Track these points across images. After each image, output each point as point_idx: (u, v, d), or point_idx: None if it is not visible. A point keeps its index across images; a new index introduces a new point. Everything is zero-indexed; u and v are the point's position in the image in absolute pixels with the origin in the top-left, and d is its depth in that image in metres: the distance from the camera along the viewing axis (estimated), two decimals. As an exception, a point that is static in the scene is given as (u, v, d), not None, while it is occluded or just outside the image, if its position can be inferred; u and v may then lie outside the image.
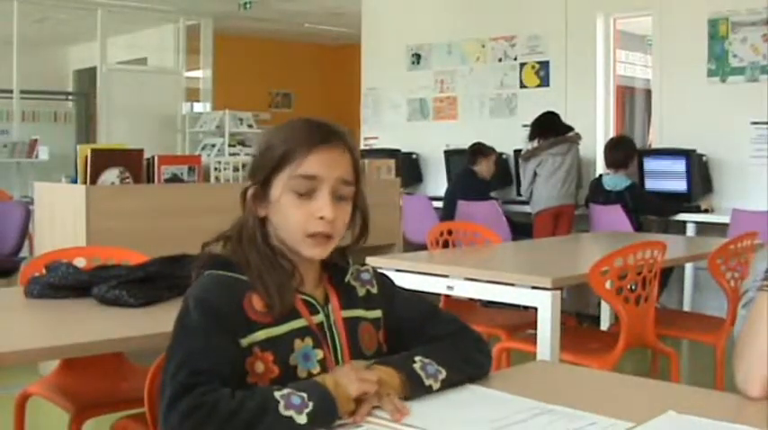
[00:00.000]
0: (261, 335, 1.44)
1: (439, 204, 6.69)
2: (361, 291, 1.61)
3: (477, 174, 6.43)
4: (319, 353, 1.49)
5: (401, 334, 1.63)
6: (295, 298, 1.50)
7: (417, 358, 1.52)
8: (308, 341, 1.48)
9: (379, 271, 1.70)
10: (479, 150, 6.48)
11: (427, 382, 1.49)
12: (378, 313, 1.61)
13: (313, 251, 1.50)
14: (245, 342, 1.43)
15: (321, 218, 1.48)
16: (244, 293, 1.46)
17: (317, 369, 1.47)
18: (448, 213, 6.28)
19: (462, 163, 6.81)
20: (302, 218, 1.48)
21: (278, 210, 1.50)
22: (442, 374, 1.52)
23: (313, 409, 1.32)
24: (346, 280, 1.60)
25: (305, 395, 1.34)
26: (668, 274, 5.21)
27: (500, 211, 6.03)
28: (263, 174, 1.51)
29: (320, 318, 1.52)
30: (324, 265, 1.58)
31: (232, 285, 1.47)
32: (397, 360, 1.52)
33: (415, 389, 1.48)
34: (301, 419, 1.31)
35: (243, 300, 1.45)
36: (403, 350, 1.60)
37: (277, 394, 1.33)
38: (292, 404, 1.32)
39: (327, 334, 1.52)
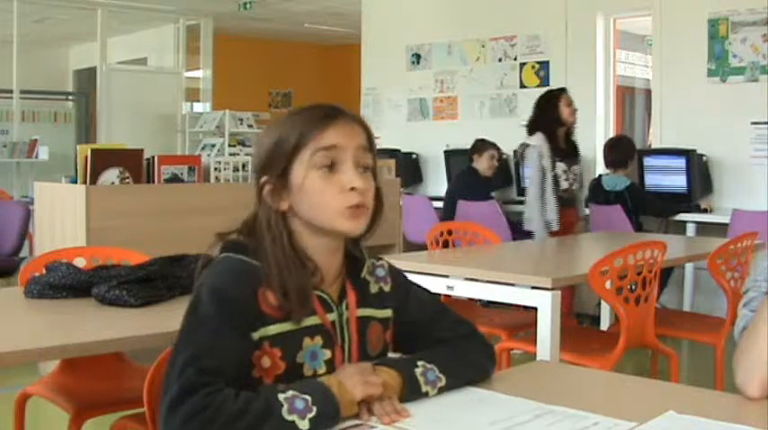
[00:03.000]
0: (273, 329, 1.42)
1: (439, 204, 6.69)
2: (374, 288, 1.59)
3: (479, 173, 6.41)
4: (327, 354, 1.48)
5: (410, 334, 1.62)
6: (313, 300, 1.47)
7: (420, 363, 1.51)
8: (318, 340, 1.47)
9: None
10: (477, 147, 6.47)
11: (424, 389, 1.49)
12: (388, 313, 1.59)
13: (349, 224, 1.46)
14: (256, 335, 1.41)
15: (352, 189, 1.45)
16: (259, 284, 1.43)
17: (322, 369, 1.46)
18: (449, 213, 6.26)
19: (463, 162, 6.80)
20: (334, 192, 1.45)
21: (304, 193, 1.46)
22: (442, 382, 1.51)
23: (316, 414, 1.32)
24: (362, 275, 1.57)
25: (309, 398, 1.33)
26: (668, 274, 5.21)
27: (500, 211, 6.03)
28: (280, 165, 1.47)
29: (334, 316, 1.50)
30: (343, 259, 1.55)
31: (249, 274, 1.43)
32: (399, 362, 1.52)
33: (412, 393, 1.47)
34: (303, 425, 1.31)
35: (258, 292, 1.42)
36: (410, 349, 1.59)
37: (281, 396, 1.32)
38: (296, 408, 1.32)
39: (338, 333, 1.50)
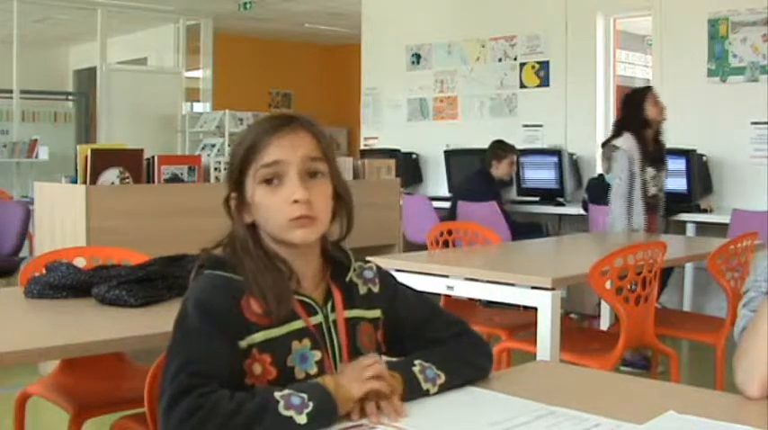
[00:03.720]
0: (259, 336, 1.44)
1: (439, 204, 6.67)
2: (363, 289, 1.60)
3: (493, 176, 6.22)
4: (317, 355, 1.48)
5: (401, 335, 1.62)
6: (293, 302, 1.48)
7: (417, 361, 1.52)
8: (306, 342, 1.48)
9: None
10: (497, 153, 6.22)
11: (425, 386, 1.49)
12: (377, 313, 1.60)
13: (298, 234, 1.47)
14: (243, 343, 1.43)
15: (295, 201, 1.46)
16: (242, 295, 1.45)
17: (314, 370, 1.47)
18: (455, 214, 6.17)
19: (466, 162, 6.77)
20: (278, 206, 1.47)
21: (256, 208, 1.49)
22: (441, 379, 1.52)
23: (313, 409, 1.32)
24: (348, 277, 1.58)
25: (305, 396, 1.34)
26: (668, 275, 5.21)
27: (499, 212, 5.98)
28: (234, 177, 1.51)
29: (318, 318, 1.51)
30: (325, 262, 1.57)
31: (230, 286, 1.46)
32: (396, 363, 1.52)
33: (413, 392, 1.48)
34: (301, 419, 1.31)
35: (241, 302, 1.44)
36: (402, 351, 1.60)
37: (277, 394, 1.33)
38: (292, 404, 1.32)
39: (326, 335, 1.51)
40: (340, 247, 1.58)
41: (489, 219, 5.63)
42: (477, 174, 6.35)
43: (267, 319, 1.45)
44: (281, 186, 1.47)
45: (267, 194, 1.48)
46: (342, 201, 1.55)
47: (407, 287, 1.69)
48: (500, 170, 6.24)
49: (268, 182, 1.48)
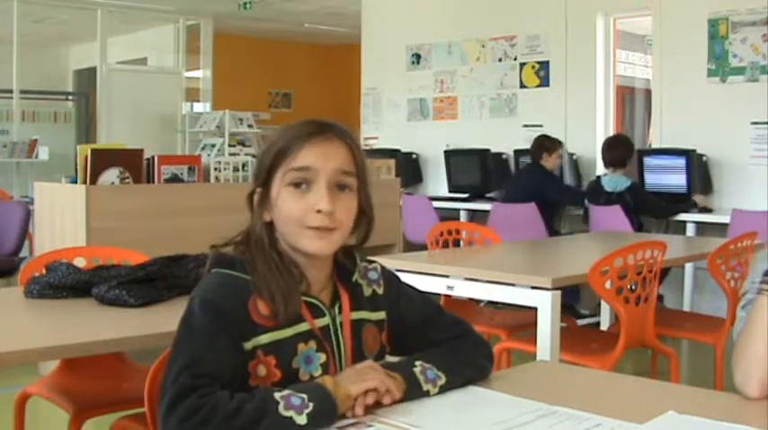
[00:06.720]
0: (265, 338, 1.44)
1: (439, 204, 6.68)
2: (368, 291, 1.60)
3: (546, 168, 6.16)
4: (322, 357, 1.48)
5: (404, 336, 1.62)
6: (300, 305, 1.48)
7: (418, 362, 1.52)
8: (312, 344, 1.48)
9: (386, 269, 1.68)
10: (545, 146, 6.18)
11: (425, 387, 1.49)
12: (382, 315, 1.60)
13: (314, 244, 1.47)
14: (248, 345, 1.42)
15: (319, 211, 1.45)
16: (249, 296, 1.45)
17: (318, 372, 1.47)
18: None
19: (465, 162, 6.77)
20: (300, 211, 1.46)
21: (278, 207, 1.48)
22: (442, 380, 1.52)
23: (313, 410, 1.32)
24: (354, 279, 1.58)
25: (305, 396, 1.34)
26: (663, 274, 5.21)
27: (538, 213, 5.86)
28: (263, 175, 1.50)
29: (326, 320, 1.51)
30: (333, 264, 1.56)
31: (238, 286, 1.45)
32: (397, 364, 1.52)
33: (413, 392, 1.48)
34: (301, 420, 1.31)
35: (248, 303, 1.44)
36: (406, 351, 1.60)
37: (277, 395, 1.33)
38: (292, 405, 1.32)
39: (333, 337, 1.51)
40: (347, 253, 1.58)
41: (528, 221, 5.59)
42: (529, 170, 6.28)
43: (274, 321, 1.44)
44: (308, 193, 1.46)
45: (292, 198, 1.47)
46: (364, 217, 1.54)
47: (411, 287, 1.69)
48: (549, 162, 6.18)
49: (296, 185, 1.47)
